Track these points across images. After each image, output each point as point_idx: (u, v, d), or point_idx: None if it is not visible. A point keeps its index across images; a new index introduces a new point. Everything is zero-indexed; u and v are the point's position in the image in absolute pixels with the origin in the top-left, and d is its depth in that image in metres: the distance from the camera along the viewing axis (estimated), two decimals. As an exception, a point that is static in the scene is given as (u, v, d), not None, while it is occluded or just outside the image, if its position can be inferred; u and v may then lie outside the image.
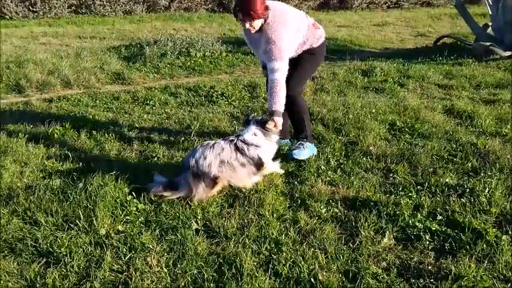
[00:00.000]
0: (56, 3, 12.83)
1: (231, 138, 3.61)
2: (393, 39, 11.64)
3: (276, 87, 3.68)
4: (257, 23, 3.69)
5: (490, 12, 9.45)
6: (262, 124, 3.66)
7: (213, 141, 3.57)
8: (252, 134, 3.61)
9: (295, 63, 3.97)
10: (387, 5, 17.57)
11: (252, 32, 3.77)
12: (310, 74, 4.31)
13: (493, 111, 5.36)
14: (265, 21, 3.70)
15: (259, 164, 3.59)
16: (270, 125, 3.64)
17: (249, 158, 3.54)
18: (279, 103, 3.70)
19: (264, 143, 3.63)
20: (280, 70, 3.69)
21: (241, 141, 3.56)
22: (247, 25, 3.69)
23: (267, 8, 3.68)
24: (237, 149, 3.53)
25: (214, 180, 3.41)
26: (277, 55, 3.67)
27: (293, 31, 3.84)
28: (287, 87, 3.78)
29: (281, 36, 3.69)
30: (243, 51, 9.18)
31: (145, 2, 14.06)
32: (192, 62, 8.25)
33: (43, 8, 12.75)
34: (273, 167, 3.80)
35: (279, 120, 3.72)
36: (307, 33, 3.98)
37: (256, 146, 3.58)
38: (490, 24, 9.39)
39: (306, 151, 4.09)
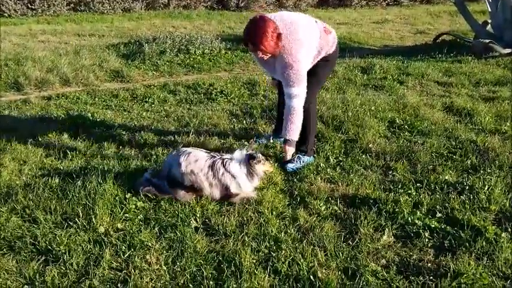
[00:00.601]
0: (55, 1, 12.80)
1: (213, 154, 3.47)
2: (392, 37, 11.63)
3: (292, 115, 3.60)
4: (270, 52, 3.51)
5: (490, 10, 9.44)
6: (250, 159, 3.41)
7: (190, 149, 3.47)
8: (238, 162, 3.41)
9: (311, 71, 3.76)
10: (386, 2, 17.55)
11: (265, 58, 3.59)
12: (324, 82, 4.13)
13: (492, 109, 5.35)
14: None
15: (226, 193, 3.35)
16: (256, 164, 3.41)
17: (218, 180, 3.33)
18: (294, 132, 3.63)
19: (241, 176, 3.38)
20: (299, 96, 3.57)
21: (221, 162, 3.39)
22: (260, 54, 3.53)
23: (279, 36, 3.45)
24: (212, 167, 3.35)
25: (190, 187, 3.33)
26: (296, 80, 3.53)
27: (308, 48, 3.63)
28: None
29: (297, 57, 3.52)
30: (242, 49, 9.15)
31: (144, -1, 14.04)
32: (191, 59, 8.23)
33: (42, 6, 12.71)
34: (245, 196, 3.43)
35: (290, 150, 3.67)
36: (320, 43, 3.73)
37: (232, 175, 3.36)
38: (489, 21, 9.40)
39: (302, 165, 3.93)
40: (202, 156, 3.42)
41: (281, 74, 3.62)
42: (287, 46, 3.52)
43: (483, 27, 9.31)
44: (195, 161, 3.36)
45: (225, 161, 3.40)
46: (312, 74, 3.78)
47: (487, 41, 8.34)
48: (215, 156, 3.44)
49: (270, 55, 3.58)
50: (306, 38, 3.60)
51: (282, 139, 4.09)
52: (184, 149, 3.49)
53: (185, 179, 3.31)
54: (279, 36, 3.46)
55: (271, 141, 4.43)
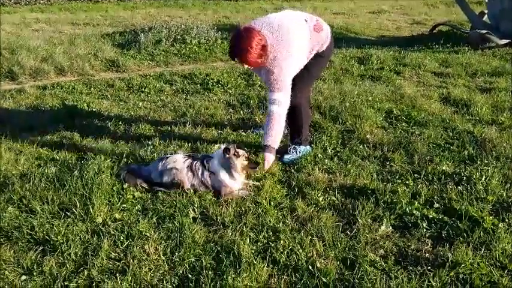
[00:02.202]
0: (48, -11, 12.67)
1: (192, 155, 3.51)
2: (389, 27, 11.59)
3: (272, 121, 3.51)
4: (257, 62, 3.45)
5: (486, 0, 9.41)
6: (224, 152, 3.35)
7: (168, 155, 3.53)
8: (217, 159, 3.39)
9: (304, 67, 3.73)
10: (383, -8, 17.45)
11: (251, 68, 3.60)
12: (317, 76, 4.11)
13: (489, 100, 5.36)
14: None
15: (215, 190, 3.37)
16: (231, 157, 3.33)
17: (199, 180, 3.36)
18: (273, 138, 3.53)
19: (220, 172, 3.34)
20: (281, 103, 3.51)
21: (199, 162, 3.40)
22: (246, 66, 3.53)
23: (264, 48, 3.39)
24: (191, 167, 3.37)
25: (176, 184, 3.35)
26: (278, 87, 3.49)
27: (295, 56, 3.56)
28: (293, 93, 3.60)
29: (282, 66, 3.48)
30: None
31: (139, -12, 13.91)
32: (187, 49, 8.18)
33: (35, -6, 12.59)
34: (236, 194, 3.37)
35: (270, 157, 3.53)
36: (310, 44, 3.67)
37: (211, 172, 3.36)
38: (485, 12, 9.37)
39: (298, 155, 3.94)
40: (180, 158, 3.43)
41: (266, 79, 3.59)
42: (273, 54, 3.47)
43: (480, 17, 9.29)
44: (173, 162, 3.39)
45: (204, 161, 3.40)
46: (305, 68, 3.74)
47: (484, 31, 8.33)
48: (194, 157, 3.45)
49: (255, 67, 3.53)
50: (293, 46, 3.53)
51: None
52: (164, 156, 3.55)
53: (165, 175, 3.34)
54: (263, 48, 3.40)
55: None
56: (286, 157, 3.92)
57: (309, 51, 3.71)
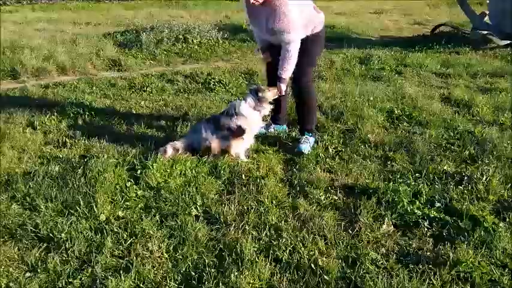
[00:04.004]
0: (50, -12, 12.69)
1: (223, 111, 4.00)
2: (390, 27, 11.61)
3: (288, 57, 3.76)
4: None
5: (488, 1, 9.43)
6: (255, 92, 3.91)
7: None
8: (246, 101, 3.89)
9: (301, 48, 3.84)
10: (384, -8, 17.46)
11: (256, 4, 3.65)
12: (316, 60, 4.25)
13: (490, 100, 5.37)
14: None
15: (237, 133, 3.84)
16: (263, 92, 3.88)
17: (226, 129, 3.84)
18: (288, 72, 3.82)
19: (250, 112, 3.87)
20: (295, 41, 3.73)
21: (223, 115, 3.91)
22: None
23: None
24: (216, 122, 3.88)
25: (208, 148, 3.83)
26: (291, 27, 3.67)
27: (299, 5, 3.76)
28: (296, 77, 3.88)
29: (290, 8, 3.63)
30: (240, 39, 9.14)
31: (141, -13, 13.92)
32: (189, 48, 8.21)
33: (37, -7, 12.60)
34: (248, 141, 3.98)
35: (283, 87, 3.88)
36: (310, 14, 3.91)
37: (242, 115, 3.84)
38: (487, 12, 9.37)
39: (311, 145, 4.11)
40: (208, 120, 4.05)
41: (277, 23, 3.68)
42: None
43: (481, 18, 9.30)
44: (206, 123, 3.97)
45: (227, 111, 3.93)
46: (302, 51, 3.85)
47: (485, 32, 8.35)
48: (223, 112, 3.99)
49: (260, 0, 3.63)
50: None
51: (283, 126, 4.48)
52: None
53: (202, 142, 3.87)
54: None
55: (272, 130, 4.45)
56: (303, 147, 4.03)
57: (307, 20, 3.87)
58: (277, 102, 4.28)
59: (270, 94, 3.93)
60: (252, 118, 3.89)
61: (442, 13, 13.97)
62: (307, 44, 3.91)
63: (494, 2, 9.16)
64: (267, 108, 3.99)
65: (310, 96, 4.11)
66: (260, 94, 3.88)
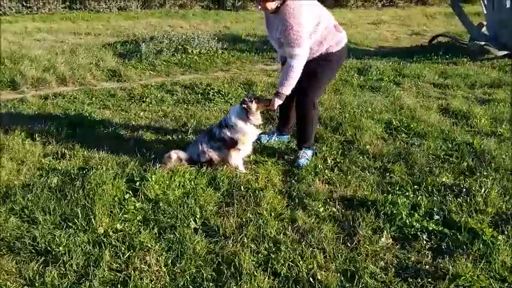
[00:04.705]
0: (50, -1, 12.74)
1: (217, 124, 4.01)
2: (388, 38, 11.68)
3: (290, 72, 3.68)
4: (270, 4, 3.61)
5: (485, 12, 9.51)
6: (243, 103, 3.86)
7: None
8: (235, 112, 3.86)
9: (311, 68, 3.80)
10: (382, 3, 17.61)
11: (269, 11, 3.70)
12: (327, 82, 4.19)
13: (488, 111, 5.40)
14: (283, 2, 3.61)
15: (230, 144, 3.84)
16: (250, 105, 3.80)
17: (219, 140, 3.85)
18: (287, 88, 3.73)
19: (240, 124, 3.82)
20: (299, 57, 3.66)
21: (217, 126, 3.92)
22: (260, 6, 3.68)
23: None
24: (211, 134, 3.89)
25: (210, 160, 3.86)
26: (297, 40, 3.59)
27: (312, 20, 3.69)
28: (301, 93, 3.82)
29: (299, 20, 3.57)
30: (239, 49, 9.18)
31: (141, -2, 14.00)
32: (188, 59, 8.24)
33: (37, 4, 12.64)
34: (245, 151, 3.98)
35: (278, 102, 3.82)
36: (325, 31, 3.80)
37: (232, 127, 3.82)
38: (484, 23, 9.44)
39: (309, 159, 4.08)
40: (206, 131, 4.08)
41: (281, 32, 3.66)
42: (292, 8, 3.58)
43: (478, 29, 9.36)
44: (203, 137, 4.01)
45: (220, 122, 3.94)
46: (313, 70, 3.81)
47: (483, 43, 8.41)
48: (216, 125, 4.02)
49: (270, 8, 3.65)
50: (312, 12, 3.70)
51: (286, 136, 4.51)
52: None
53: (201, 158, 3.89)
54: None
55: (275, 139, 4.47)
56: (301, 161, 4.01)
57: (321, 38, 3.80)
58: (285, 113, 4.33)
59: (254, 106, 3.84)
60: (243, 129, 3.84)
61: (439, 24, 14.08)
62: (318, 64, 3.86)
63: (491, 12, 9.22)
64: (257, 119, 3.91)
65: (311, 115, 4.03)
66: (244, 105, 3.82)
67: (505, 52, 8.33)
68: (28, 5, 12.56)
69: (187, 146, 4.05)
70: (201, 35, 9.09)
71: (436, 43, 9.86)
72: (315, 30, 3.73)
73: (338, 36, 3.90)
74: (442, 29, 12.42)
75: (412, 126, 4.86)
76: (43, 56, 7.43)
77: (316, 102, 4.01)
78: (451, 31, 11.50)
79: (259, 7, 3.71)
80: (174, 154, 3.83)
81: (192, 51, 8.45)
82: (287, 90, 3.76)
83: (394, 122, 4.97)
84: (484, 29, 9.38)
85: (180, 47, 8.50)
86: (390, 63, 7.95)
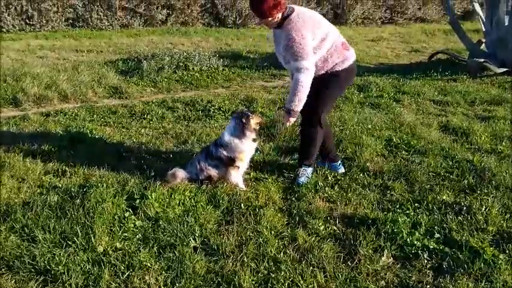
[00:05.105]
0: (53, 17, 12.85)
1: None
2: (388, 55, 11.75)
3: (297, 87, 3.62)
4: (270, 21, 3.63)
5: (484, 29, 9.59)
6: (238, 118, 3.85)
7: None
8: (228, 131, 3.85)
9: (316, 85, 3.72)
10: (382, 20, 17.74)
11: (270, 27, 3.75)
12: (333, 99, 4.10)
13: (488, 128, 5.41)
14: (287, 17, 3.62)
15: (228, 163, 3.84)
16: (248, 120, 3.80)
17: (216, 158, 3.85)
18: (297, 104, 3.66)
19: (235, 141, 3.82)
20: (306, 70, 3.59)
21: (213, 144, 3.93)
22: (261, 22, 3.75)
23: (278, 9, 3.55)
24: (207, 152, 3.91)
25: (208, 178, 3.88)
26: (302, 54, 3.56)
27: (317, 35, 3.66)
28: (306, 110, 3.77)
29: (302, 34, 3.55)
30: (240, 66, 9.25)
31: (143, 16, 14.12)
32: (189, 76, 8.29)
33: (40, 21, 12.74)
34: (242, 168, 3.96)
35: (292, 120, 3.78)
36: (331, 48, 3.75)
37: (227, 146, 3.82)
38: (483, 40, 9.52)
39: (309, 177, 4.05)
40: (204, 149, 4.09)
41: (285, 47, 3.65)
42: (295, 23, 3.59)
43: (477, 46, 9.43)
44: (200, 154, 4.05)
45: (216, 140, 3.95)
46: (318, 87, 3.76)
47: (482, 60, 8.46)
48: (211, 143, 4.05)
49: (271, 25, 3.70)
50: (318, 27, 3.68)
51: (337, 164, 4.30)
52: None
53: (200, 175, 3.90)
54: (277, 8, 3.54)
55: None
56: (301, 180, 3.98)
57: (327, 54, 3.75)
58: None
59: (253, 122, 3.84)
60: (239, 146, 3.82)
61: (439, 40, 14.18)
62: (323, 80, 3.81)
63: (490, 30, 9.30)
64: (253, 134, 3.87)
65: (315, 132, 3.95)
66: (243, 120, 3.80)
67: (505, 69, 8.38)
68: (31, 22, 12.68)
69: (186, 163, 4.05)
70: (202, 52, 9.17)
71: (435, 60, 9.92)
72: (320, 46, 3.69)
73: (345, 54, 3.84)
74: (441, 46, 12.52)
75: (412, 143, 4.87)
76: (45, 73, 7.48)
77: (321, 120, 3.92)
78: (451, 48, 11.59)
79: (261, 23, 3.76)
80: (178, 172, 3.84)
81: (193, 68, 8.51)
82: (297, 106, 3.67)
83: (394, 139, 4.98)
84: (483, 46, 9.45)
85: (181, 64, 8.56)
86: (390, 80, 8.00)
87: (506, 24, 8.92)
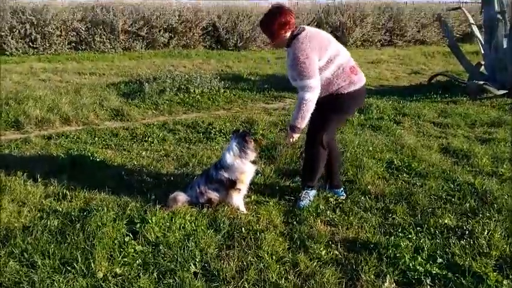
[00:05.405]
0: (56, 40, 13.03)
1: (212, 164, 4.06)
2: (388, 77, 11.84)
3: (302, 106, 3.63)
4: (279, 41, 3.76)
5: (483, 51, 9.67)
6: (240, 138, 3.88)
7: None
8: (229, 152, 3.85)
9: (320, 107, 3.73)
10: (381, 43, 17.96)
11: (280, 47, 3.89)
12: (335, 122, 4.02)
13: (488, 150, 5.41)
14: (296, 36, 3.67)
15: (229, 185, 3.84)
16: (250, 138, 3.87)
17: (216, 182, 3.85)
18: (301, 121, 3.68)
19: (237, 163, 3.82)
20: (312, 88, 3.60)
21: (213, 167, 3.93)
22: (273, 43, 3.89)
23: (286, 29, 3.65)
24: (207, 175, 3.91)
25: (209, 201, 3.86)
26: (306, 73, 3.57)
27: (323, 55, 3.66)
28: (310, 131, 3.84)
29: (307, 53, 3.58)
30: (241, 88, 9.32)
31: (145, 39, 14.31)
32: (191, 98, 8.34)
33: (43, 44, 12.93)
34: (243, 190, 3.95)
35: (296, 136, 3.79)
36: (338, 71, 3.74)
37: (228, 168, 3.82)
38: (482, 62, 9.59)
39: (311, 200, 4.04)
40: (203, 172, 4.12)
41: (291, 66, 3.69)
42: (302, 42, 3.62)
43: (477, 68, 9.50)
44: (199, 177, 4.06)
45: (215, 163, 3.96)
46: (321, 113, 3.78)
47: (481, 82, 8.51)
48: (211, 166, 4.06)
49: (280, 45, 3.83)
50: (326, 48, 3.70)
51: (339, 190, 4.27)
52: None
53: (200, 199, 3.90)
54: (288, 21, 3.65)
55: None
56: (302, 203, 3.97)
57: (332, 76, 3.73)
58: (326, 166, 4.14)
59: (253, 144, 3.89)
60: (241, 167, 3.83)
61: (438, 62, 14.30)
62: (328, 102, 3.79)
63: (489, 52, 9.38)
64: (253, 154, 3.89)
65: (319, 154, 3.96)
66: (247, 138, 3.85)
67: (504, 91, 8.43)
68: (35, 45, 12.85)
69: (186, 187, 4.04)
70: (204, 75, 9.26)
71: (435, 82, 9.99)
72: (325, 67, 3.69)
73: (352, 78, 3.80)
74: (441, 68, 12.62)
75: (413, 165, 4.86)
76: (47, 96, 7.55)
77: (324, 141, 3.90)
78: (450, 70, 11.67)
79: (273, 44, 3.92)
80: (179, 196, 3.83)
81: (194, 90, 8.57)
82: (300, 123, 3.69)
83: (395, 162, 4.98)
84: (482, 69, 9.52)
85: (182, 87, 8.63)
86: (390, 102, 8.04)
87: (505, 46, 9.01)
